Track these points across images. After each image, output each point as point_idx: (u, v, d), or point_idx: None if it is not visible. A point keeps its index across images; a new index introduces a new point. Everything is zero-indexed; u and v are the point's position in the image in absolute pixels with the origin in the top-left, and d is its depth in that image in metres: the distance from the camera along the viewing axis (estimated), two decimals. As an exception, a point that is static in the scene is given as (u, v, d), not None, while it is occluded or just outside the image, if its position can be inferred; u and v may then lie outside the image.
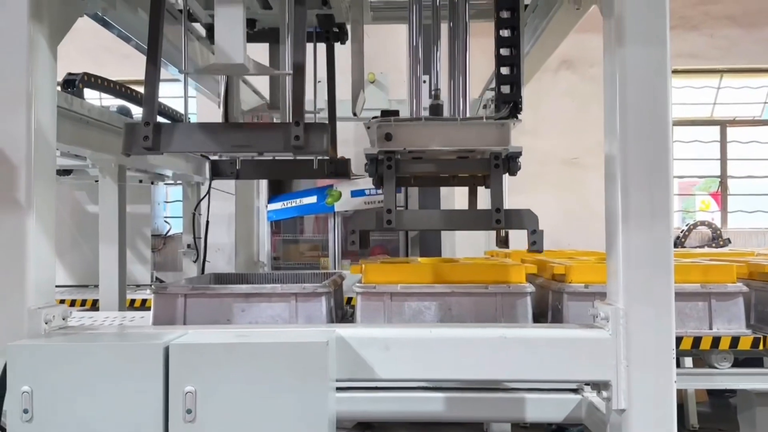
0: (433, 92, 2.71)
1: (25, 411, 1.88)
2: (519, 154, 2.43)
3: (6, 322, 2.07)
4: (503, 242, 2.73)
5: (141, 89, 5.61)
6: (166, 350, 1.89)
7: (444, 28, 2.77)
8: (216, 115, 4.04)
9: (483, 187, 2.83)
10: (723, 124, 7.76)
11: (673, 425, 2.05)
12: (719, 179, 7.74)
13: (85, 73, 3.56)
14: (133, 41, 3.41)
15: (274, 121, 3.33)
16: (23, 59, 2.14)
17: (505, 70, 2.43)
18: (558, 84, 7.24)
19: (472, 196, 2.95)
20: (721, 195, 7.73)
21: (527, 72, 4.04)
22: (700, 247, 7.02)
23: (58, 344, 1.96)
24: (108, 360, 1.90)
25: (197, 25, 3.50)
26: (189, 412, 1.87)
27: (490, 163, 2.45)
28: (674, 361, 2.05)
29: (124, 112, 4.18)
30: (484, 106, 5.02)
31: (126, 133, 2.31)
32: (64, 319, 2.25)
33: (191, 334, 2.06)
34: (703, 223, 7.29)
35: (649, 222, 2.06)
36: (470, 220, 2.67)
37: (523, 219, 2.41)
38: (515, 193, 6.64)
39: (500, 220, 2.38)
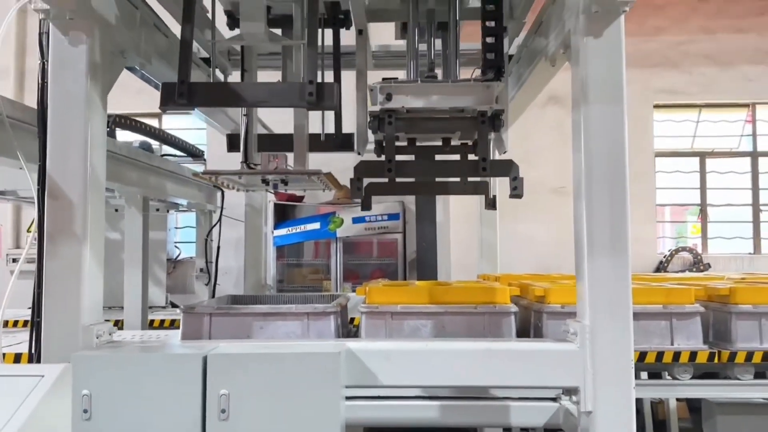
0: (428, 65, 3.07)
1: (85, 411, 2.22)
2: (502, 111, 2.79)
3: (64, 336, 2.41)
4: (491, 205, 3.10)
5: (153, 123, 5.98)
6: (205, 359, 2.25)
7: (439, 73, 3.18)
8: (224, 150, 4.42)
9: (473, 155, 3.11)
10: (702, 156, 8.20)
11: (632, 426, 2.40)
12: (699, 207, 8.16)
13: (117, 115, 3.96)
14: (154, 83, 3.78)
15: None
16: (82, 112, 2.50)
17: (489, 39, 2.78)
18: (546, 118, 7.67)
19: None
20: (702, 222, 8.15)
21: (513, 112, 4.48)
22: (681, 271, 7.40)
23: (113, 354, 2.32)
24: (155, 368, 2.26)
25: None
26: (223, 411, 2.23)
27: (477, 120, 2.80)
28: (633, 369, 2.40)
29: (146, 147, 4.57)
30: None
31: (163, 92, 2.62)
32: (110, 334, 2.61)
33: (223, 346, 2.42)
34: (684, 249, 7.69)
35: (610, 252, 2.43)
36: (461, 169, 3.03)
37: (506, 167, 2.78)
38: (509, 220, 7.06)
39: (486, 168, 2.75)
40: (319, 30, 3.22)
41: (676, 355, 3.04)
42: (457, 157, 3.20)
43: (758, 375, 3.22)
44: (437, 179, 3.31)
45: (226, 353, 2.30)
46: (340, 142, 3.54)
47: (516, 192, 2.75)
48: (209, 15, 3.34)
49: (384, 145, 2.84)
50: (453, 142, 3.24)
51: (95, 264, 2.53)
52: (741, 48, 7.91)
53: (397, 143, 2.87)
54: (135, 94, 6.71)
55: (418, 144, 3.29)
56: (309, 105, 2.70)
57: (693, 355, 3.04)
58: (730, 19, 7.90)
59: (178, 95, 2.63)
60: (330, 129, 3.57)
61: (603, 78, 2.46)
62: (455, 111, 2.86)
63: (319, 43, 3.16)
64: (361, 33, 3.45)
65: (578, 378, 2.43)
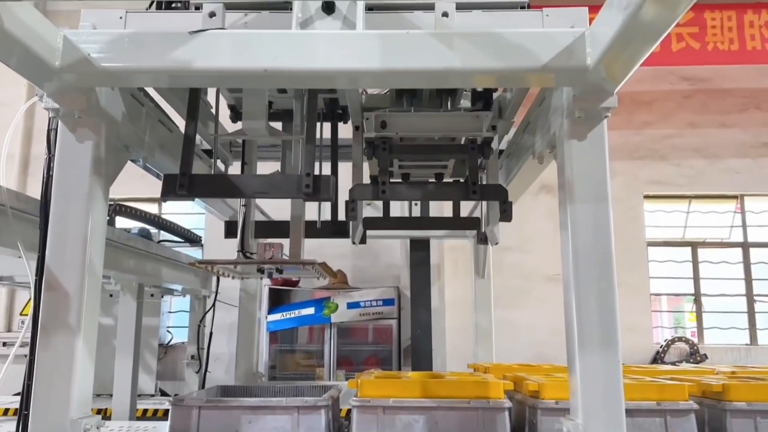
0: None
1: None
2: (491, 139, 2.88)
3: (52, 430, 2.38)
4: (483, 240, 3.13)
5: (154, 207, 6.03)
6: (192, 457, 2.22)
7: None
8: (221, 234, 4.49)
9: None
10: (694, 245, 8.30)
11: None
12: (693, 297, 8.18)
13: (117, 204, 4.06)
14: (155, 173, 3.87)
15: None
16: (84, 205, 2.52)
17: None
18: (539, 206, 7.79)
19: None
20: (696, 312, 8.14)
21: (507, 200, 4.59)
22: (678, 362, 7.32)
23: (99, 451, 2.28)
24: (141, 465, 2.22)
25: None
26: None
27: (467, 147, 2.89)
28: (626, 470, 2.36)
29: (145, 234, 4.64)
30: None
31: (165, 183, 2.70)
32: (98, 428, 2.56)
33: (211, 443, 2.39)
34: (680, 339, 7.64)
35: (600, 348, 2.43)
36: (451, 191, 3.13)
37: (496, 192, 2.82)
38: (505, 306, 7.05)
39: (476, 191, 2.83)
40: (318, 122, 3.37)
41: (673, 454, 2.98)
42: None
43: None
44: (429, 212, 3.35)
45: (214, 451, 2.26)
46: (335, 229, 3.62)
47: (505, 216, 2.83)
48: (212, 110, 3.49)
49: (378, 172, 2.91)
50: (445, 179, 3.35)
51: (87, 356, 2.52)
52: (726, 142, 8.19)
53: (392, 180, 2.95)
54: (138, 179, 6.87)
55: (411, 180, 3.39)
56: (306, 197, 2.80)
57: (690, 454, 2.98)
58: (714, 114, 8.23)
59: (179, 186, 2.72)
60: (326, 215, 3.66)
61: (588, 178, 2.53)
62: (447, 140, 2.97)
63: (318, 135, 3.30)
64: (357, 129, 3.59)
65: (572, 479, 2.38)
